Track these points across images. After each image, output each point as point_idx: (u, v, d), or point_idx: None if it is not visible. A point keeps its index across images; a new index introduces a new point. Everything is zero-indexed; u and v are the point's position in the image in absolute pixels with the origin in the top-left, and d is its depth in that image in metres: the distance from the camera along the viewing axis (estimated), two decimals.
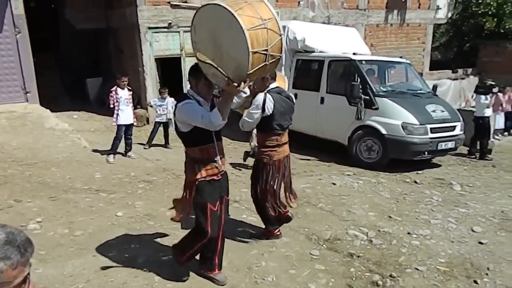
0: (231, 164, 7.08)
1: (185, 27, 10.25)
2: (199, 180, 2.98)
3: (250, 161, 6.45)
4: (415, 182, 6.41)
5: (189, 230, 3.32)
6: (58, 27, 13.91)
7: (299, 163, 7.55)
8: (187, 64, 10.52)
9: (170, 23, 10.31)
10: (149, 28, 10.16)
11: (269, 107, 3.60)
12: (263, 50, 2.47)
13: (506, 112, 9.89)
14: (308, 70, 8.51)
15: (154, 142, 8.47)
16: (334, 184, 6.06)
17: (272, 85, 3.73)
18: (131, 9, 10.35)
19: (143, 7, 10.11)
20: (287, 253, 3.84)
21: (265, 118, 3.63)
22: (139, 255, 3.66)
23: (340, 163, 7.49)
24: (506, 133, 9.86)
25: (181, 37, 10.54)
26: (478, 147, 8.56)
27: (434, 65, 16.67)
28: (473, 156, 8.59)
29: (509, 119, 9.95)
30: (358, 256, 3.84)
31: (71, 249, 3.78)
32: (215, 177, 3.04)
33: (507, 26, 16.52)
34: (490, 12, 16.42)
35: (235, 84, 2.57)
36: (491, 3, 16.46)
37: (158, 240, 4.01)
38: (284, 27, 8.56)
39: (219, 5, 2.44)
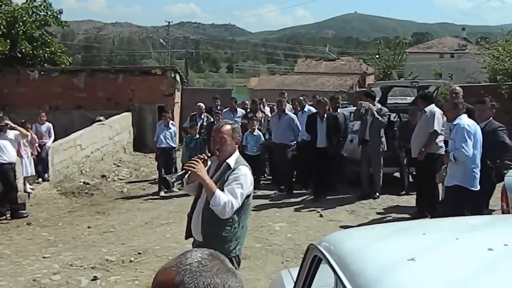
0: None
1: None
2: None
3: None
4: None
5: None
6: None
7: None
8: None
9: None
10: None
11: None
12: None
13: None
14: None
15: None
16: None
17: None
18: None
19: None
20: None
21: None
22: None
23: None
24: (40, 179, 8.53)
25: None
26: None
27: None
28: (3, 217, 7.11)
29: (41, 161, 8.65)
30: None
31: None
32: None
33: (23, 50, 15.29)
34: (1, 33, 14.60)
35: None
36: (1, 21, 14.69)
37: None
38: None
39: None
